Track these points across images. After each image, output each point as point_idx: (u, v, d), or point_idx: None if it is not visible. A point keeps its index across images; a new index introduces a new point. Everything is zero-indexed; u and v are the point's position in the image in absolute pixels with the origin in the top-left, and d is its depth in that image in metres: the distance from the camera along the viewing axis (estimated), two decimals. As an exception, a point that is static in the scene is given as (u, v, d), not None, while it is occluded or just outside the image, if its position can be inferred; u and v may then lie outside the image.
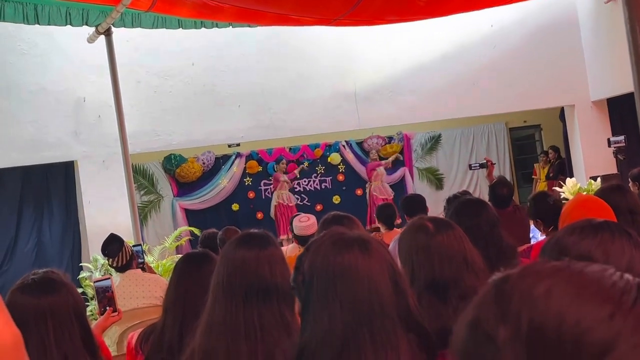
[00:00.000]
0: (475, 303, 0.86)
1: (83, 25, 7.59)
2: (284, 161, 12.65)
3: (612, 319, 0.77)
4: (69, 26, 7.47)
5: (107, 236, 5.16)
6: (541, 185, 13.06)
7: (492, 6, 8.66)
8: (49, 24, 7.27)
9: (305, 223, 5.00)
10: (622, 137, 9.66)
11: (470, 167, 9.76)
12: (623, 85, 10.29)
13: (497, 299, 0.83)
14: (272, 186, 12.72)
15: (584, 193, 9.06)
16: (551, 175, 13.03)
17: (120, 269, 4.99)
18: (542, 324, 0.78)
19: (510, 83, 11.68)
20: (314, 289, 1.59)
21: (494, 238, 3.04)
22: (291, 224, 5.41)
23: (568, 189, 9.74)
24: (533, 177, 13.70)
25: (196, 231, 10.55)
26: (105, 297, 3.42)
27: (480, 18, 10.64)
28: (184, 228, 10.74)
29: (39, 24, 7.15)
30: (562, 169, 13.04)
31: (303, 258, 1.65)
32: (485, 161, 8.05)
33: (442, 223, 2.34)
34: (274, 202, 12.55)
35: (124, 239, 5.23)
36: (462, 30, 11.32)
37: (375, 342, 1.54)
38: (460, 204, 3.20)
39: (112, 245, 5.00)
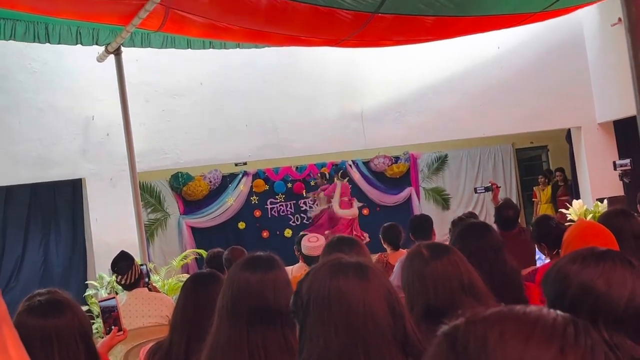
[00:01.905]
0: (430, 354, 0.91)
1: (93, 44, 7.66)
2: (319, 176, 12.81)
3: (563, 353, 0.83)
4: (79, 45, 7.54)
5: (117, 253, 5.18)
6: (543, 208, 13.02)
7: (498, 29, 8.69)
8: (59, 43, 7.34)
9: (315, 244, 5.03)
10: (627, 160, 9.65)
11: (475, 190, 9.76)
12: (629, 107, 10.28)
13: (453, 348, 0.88)
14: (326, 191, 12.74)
15: (589, 217, 9.06)
16: (564, 198, 13.00)
17: (128, 287, 5.01)
18: None
19: (517, 104, 11.72)
20: (311, 310, 1.62)
21: (498, 262, 3.06)
22: (299, 243, 5.43)
23: (574, 210, 9.74)
24: (533, 199, 13.63)
25: (203, 253, 10.56)
26: (111, 316, 3.44)
27: (487, 40, 10.69)
28: (191, 251, 10.76)
29: (49, 43, 7.22)
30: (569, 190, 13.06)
31: (302, 283, 1.68)
32: (490, 184, 8.06)
33: (439, 249, 2.37)
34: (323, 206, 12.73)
35: (130, 257, 5.25)
36: (469, 52, 11.38)
37: None
38: (465, 227, 3.22)
39: (123, 263, 5.02)
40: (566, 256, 1.84)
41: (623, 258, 1.74)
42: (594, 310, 1.64)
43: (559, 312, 0.89)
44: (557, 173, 13.46)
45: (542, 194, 13.33)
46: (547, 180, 13.44)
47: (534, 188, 13.67)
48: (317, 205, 12.76)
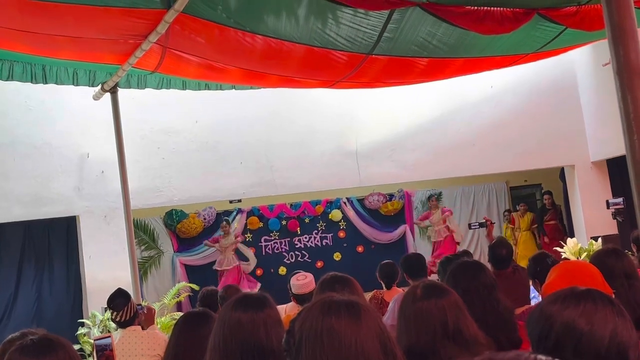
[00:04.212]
0: None
1: (90, 85, 7.73)
2: (224, 223, 12.17)
3: None
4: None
5: (112, 291, 5.16)
6: (522, 236, 13.13)
7: (491, 69, 8.80)
8: (56, 84, 7.40)
9: (303, 281, 4.99)
10: (620, 199, 9.68)
11: (469, 226, 9.77)
12: (622, 146, 10.38)
13: None
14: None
15: (583, 255, 9.08)
16: (552, 222, 13.17)
17: (122, 324, 4.97)
18: None
19: (510, 143, 11.79)
20: (303, 349, 1.62)
21: (492, 301, 3.05)
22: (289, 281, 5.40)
23: (569, 249, 9.75)
24: (511, 226, 13.60)
25: (195, 287, 10.50)
26: (104, 355, 3.44)
27: (480, 79, 10.80)
28: (183, 284, 10.69)
29: (46, 83, 7.28)
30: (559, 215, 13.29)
31: (295, 322, 1.69)
32: (484, 220, 8.07)
33: (433, 290, 2.36)
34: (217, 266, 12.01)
35: (123, 295, 5.22)
36: (462, 91, 11.48)
37: None
38: (457, 267, 3.22)
39: (119, 299, 4.99)
40: (548, 297, 1.86)
41: (603, 296, 1.76)
42: (578, 349, 1.66)
43: (541, 356, 0.91)
44: (546, 196, 13.52)
45: (521, 220, 13.41)
46: (526, 209, 13.54)
47: (512, 214, 13.72)
48: (220, 251, 12.02)
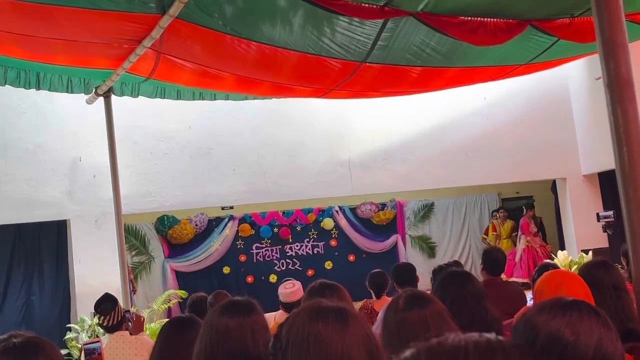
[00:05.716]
0: None
1: (84, 92, 7.71)
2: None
3: None
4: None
5: (100, 295, 5.14)
6: (503, 243, 13.24)
7: (484, 81, 8.82)
8: (49, 90, 7.37)
9: (290, 289, 4.98)
10: (611, 212, 9.70)
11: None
12: (613, 160, 10.42)
13: None
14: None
15: (574, 268, 9.11)
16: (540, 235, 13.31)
17: (110, 329, 4.96)
18: None
19: (503, 154, 11.83)
20: (289, 354, 1.62)
21: (480, 311, 3.05)
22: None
23: (560, 262, 9.77)
24: (493, 233, 13.68)
25: (183, 294, 10.44)
26: (92, 358, 3.43)
27: (474, 91, 10.82)
28: (172, 291, 10.64)
29: (40, 89, 7.25)
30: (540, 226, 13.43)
31: (282, 327, 1.69)
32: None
33: (416, 300, 2.34)
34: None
35: (113, 300, 5.20)
36: (456, 102, 11.51)
37: None
38: (446, 276, 3.22)
39: (106, 304, 4.98)
40: (534, 306, 1.86)
41: (589, 307, 1.76)
42: (563, 359, 1.65)
43: (466, 336, 0.94)
44: (529, 210, 13.67)
45: (502, 228, 13.50)
46: (506, 215, 13.65)
47: (493, 221, 13.79)
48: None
